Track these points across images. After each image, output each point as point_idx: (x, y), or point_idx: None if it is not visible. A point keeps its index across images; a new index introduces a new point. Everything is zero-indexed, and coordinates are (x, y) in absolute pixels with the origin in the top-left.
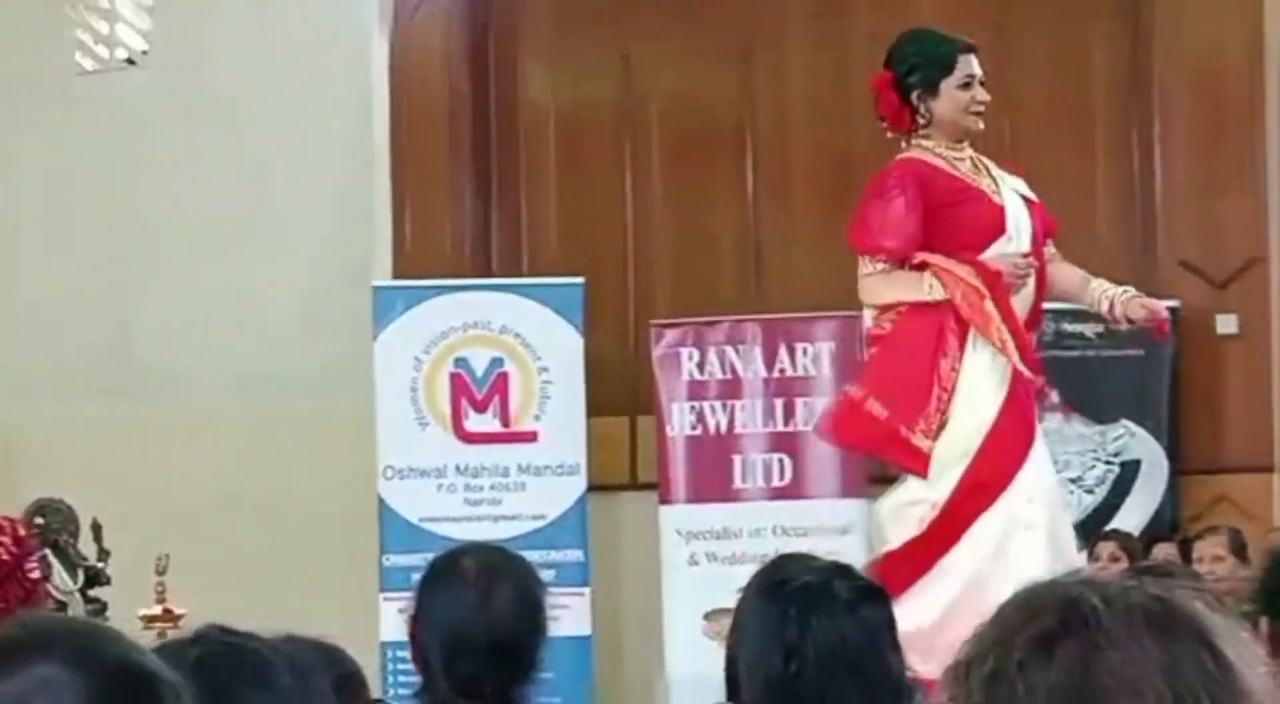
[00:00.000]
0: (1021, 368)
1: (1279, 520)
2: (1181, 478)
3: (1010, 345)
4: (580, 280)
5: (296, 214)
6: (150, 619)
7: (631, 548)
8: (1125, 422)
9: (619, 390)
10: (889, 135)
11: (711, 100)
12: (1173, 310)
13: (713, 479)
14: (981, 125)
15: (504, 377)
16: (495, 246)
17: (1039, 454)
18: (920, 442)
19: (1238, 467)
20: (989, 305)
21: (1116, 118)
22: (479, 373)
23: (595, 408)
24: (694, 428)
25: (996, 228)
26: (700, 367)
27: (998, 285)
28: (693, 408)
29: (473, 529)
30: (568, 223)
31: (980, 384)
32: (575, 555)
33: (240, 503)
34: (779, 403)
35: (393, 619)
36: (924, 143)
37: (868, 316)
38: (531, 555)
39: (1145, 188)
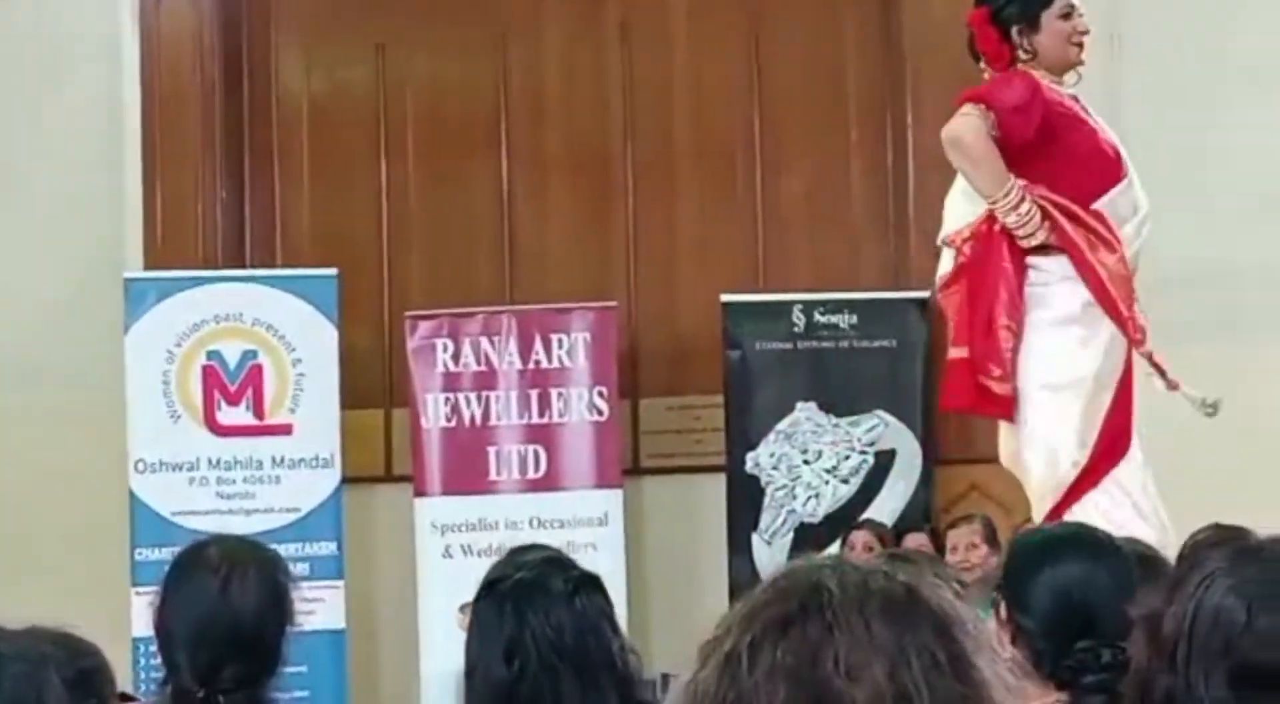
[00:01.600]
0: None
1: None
2: (936, 467)
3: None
4: (334, 272)
5: (47, 206)
6: None
7: (387, 541)
8: (879, 412)
9: (374, 382)
10: (985, 75)
11: (466, 90)
12: (923, 301)
13: (468, 471)
14: (1085, 58)
15: (257, 369)
16: (249, 238)
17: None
18: (999, 387)
19: (990, 456)
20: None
21: (870, 105)
22: (232, 365)
23: (350, 400)
24: (449, 420)
25: (1115, 168)
26: (455, 358)
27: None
28: (447, 400)
29: (225, 522)
30: (322, 214)
31: (1067, 333)
32: (329, 548)
33: None
34: (534, 394)
35: (144, 613)
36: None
37: (950, 225)
38: (285, 549)
39: (898, 176)
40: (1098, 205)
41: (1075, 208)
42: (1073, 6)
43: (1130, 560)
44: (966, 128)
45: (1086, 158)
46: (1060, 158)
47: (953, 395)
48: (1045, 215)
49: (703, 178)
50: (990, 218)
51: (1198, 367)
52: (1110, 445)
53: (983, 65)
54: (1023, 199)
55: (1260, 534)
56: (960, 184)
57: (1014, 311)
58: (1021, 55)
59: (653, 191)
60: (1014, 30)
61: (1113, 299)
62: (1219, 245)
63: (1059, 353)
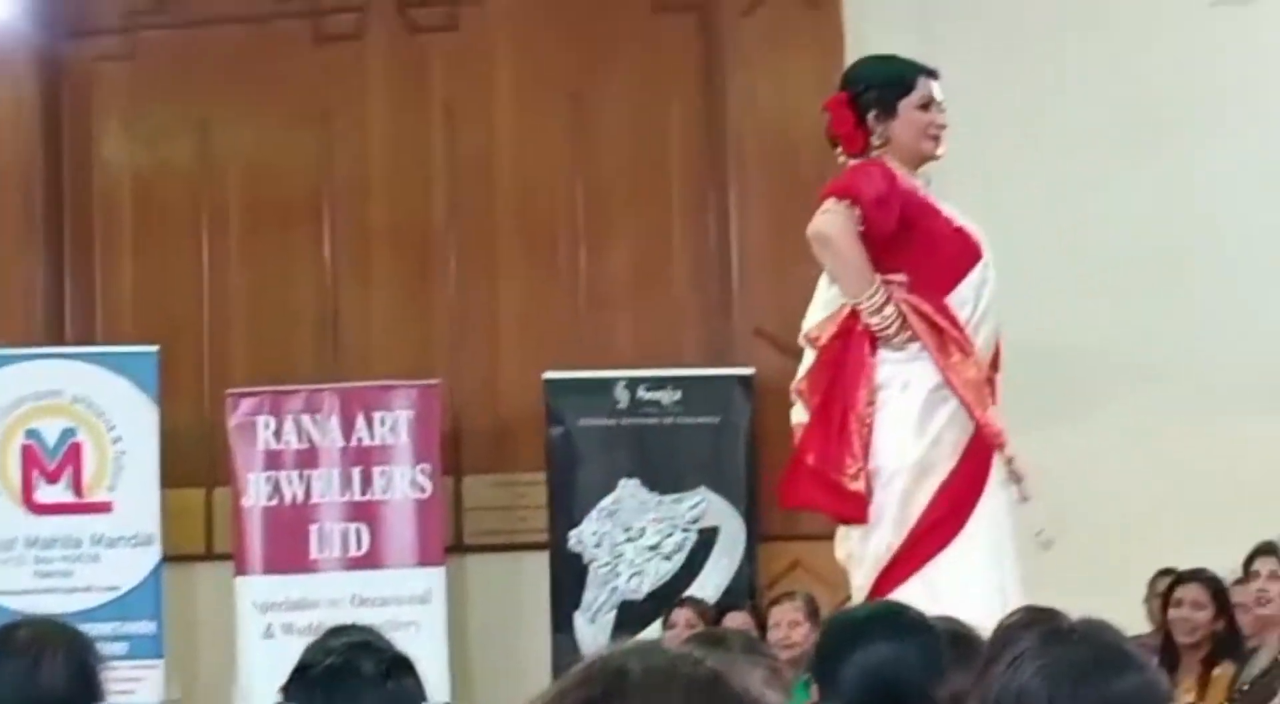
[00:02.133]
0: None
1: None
2: (759, 544)
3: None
4: (155, 349)
5: None
6: None
7: (207, 620)
8: (703, 489)
9: (195, 460)
10: (840, 159)
11: (290, 166)
12: (748, 378)
13: (290, 549)
14: (941, 151)
15: (76, 447)
16: (69, 314)
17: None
18: (853, 484)
19: (812, 533)
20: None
21: (693, 185)
22: (51, 443)
23: (170, 478)
24: (270, 498)
25: (974, 251)
26: (277, 435)
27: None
28: (269, 477)
29: (43, 602)
30: (143, 290)
31: (905, 420)
32: (149, 627)
33: None
34: (356, 472)
35: None
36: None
37: (811, 320)
38: (104, 628)
39: (721, 254)
40: (961, 287)
41: (934, 313)
42: (933, 99)
43: (942, 640)
44: (832, 225)
45: (943, 244)
46: (919, 247)
47: (796, 494)
48: (904, 320)
49: (526, 255)
50: (854, 314)
51: (1035, 446)
52: (928, 533)
53: (838, 150)
54: (886, 301)
55: (1071, 617)
56: (824, 279)
57: (869, 408)
58: (875, 141)
59: (476, 268)
60: (870, 115)
61: (968, 404)
62: (1056, 325)
63: (891, 439)
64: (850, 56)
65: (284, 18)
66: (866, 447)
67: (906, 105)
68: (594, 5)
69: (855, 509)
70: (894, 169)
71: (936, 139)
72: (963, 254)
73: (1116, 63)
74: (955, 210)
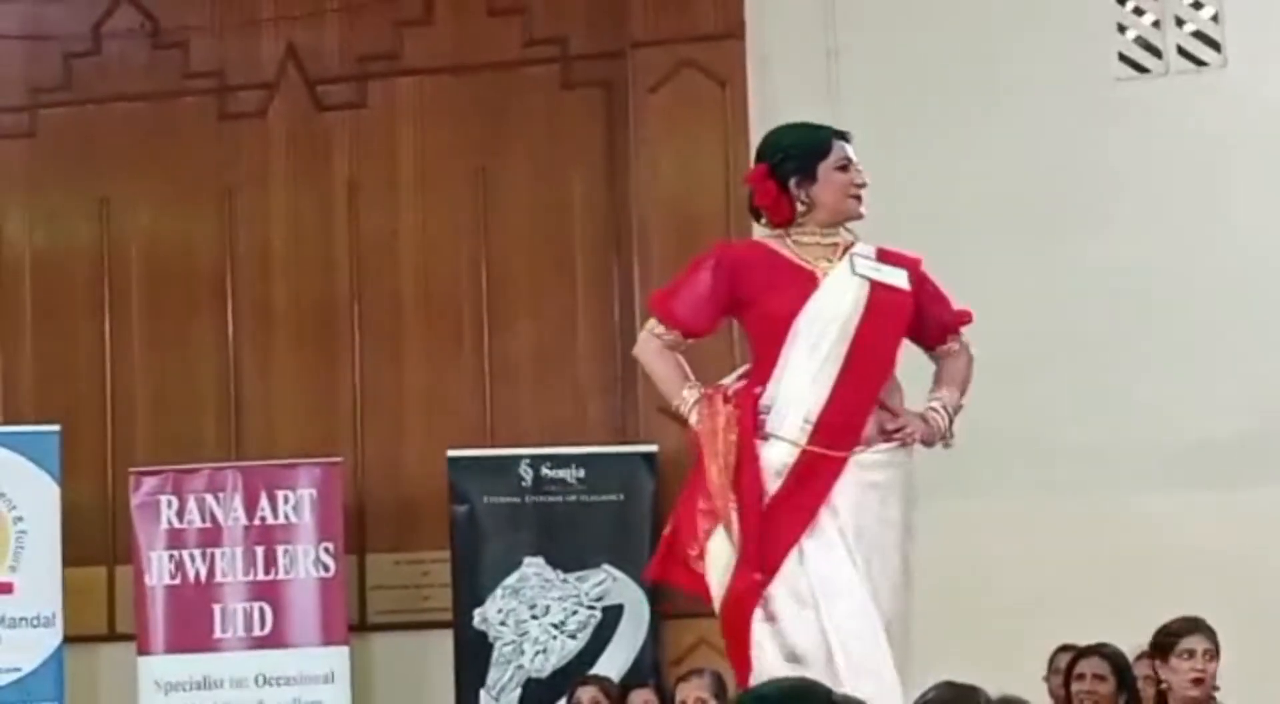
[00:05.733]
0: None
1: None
2: (664, 621)
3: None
4: (56, 428)
5: None
6: None
7: (110, 700)
8: (607, 566)
9: (97, 539)
10: (765, 230)
11: (191, 244)
12: (650, 455)
13: (192, 629)
14: (863, 210)
15: None
16: None
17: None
18: (698, 566)
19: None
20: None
21: (597, 261)
22: None
23: (72, 557)
24: (173, 577)
25: (805, 296)
26: (180, 514)
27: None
28: (172, 556)
29: None
30: (44, 368)
31: None
32: None
33: None
34: (260, 551)
35: None
36: (793, 232)
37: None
38: None
39: (625, 330)
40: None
41: (715, 416)
42: (850, 159)
43: None
44: (640, 346)
45: (784, 291)
46: (768, 301)
47: (656, 568)
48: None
49: (429, 333)
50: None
51: (928, 521)
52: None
53: (763, 222)
54: (691, 409)
55: (991, 693)
56: None
57: (715, 496)
58: (800, 208)
59: (379, 347)
60: (792, 182)
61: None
62: None
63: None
64: (756, 134)
65: (189, 94)
66: (709, 536)
67: (825, 168)
68: (502, 82)
69: (704, 587)
70: (761, 243)
71: (858, 198)
72: (775, 336)
73: (1019, 140)
74: (879, 270)
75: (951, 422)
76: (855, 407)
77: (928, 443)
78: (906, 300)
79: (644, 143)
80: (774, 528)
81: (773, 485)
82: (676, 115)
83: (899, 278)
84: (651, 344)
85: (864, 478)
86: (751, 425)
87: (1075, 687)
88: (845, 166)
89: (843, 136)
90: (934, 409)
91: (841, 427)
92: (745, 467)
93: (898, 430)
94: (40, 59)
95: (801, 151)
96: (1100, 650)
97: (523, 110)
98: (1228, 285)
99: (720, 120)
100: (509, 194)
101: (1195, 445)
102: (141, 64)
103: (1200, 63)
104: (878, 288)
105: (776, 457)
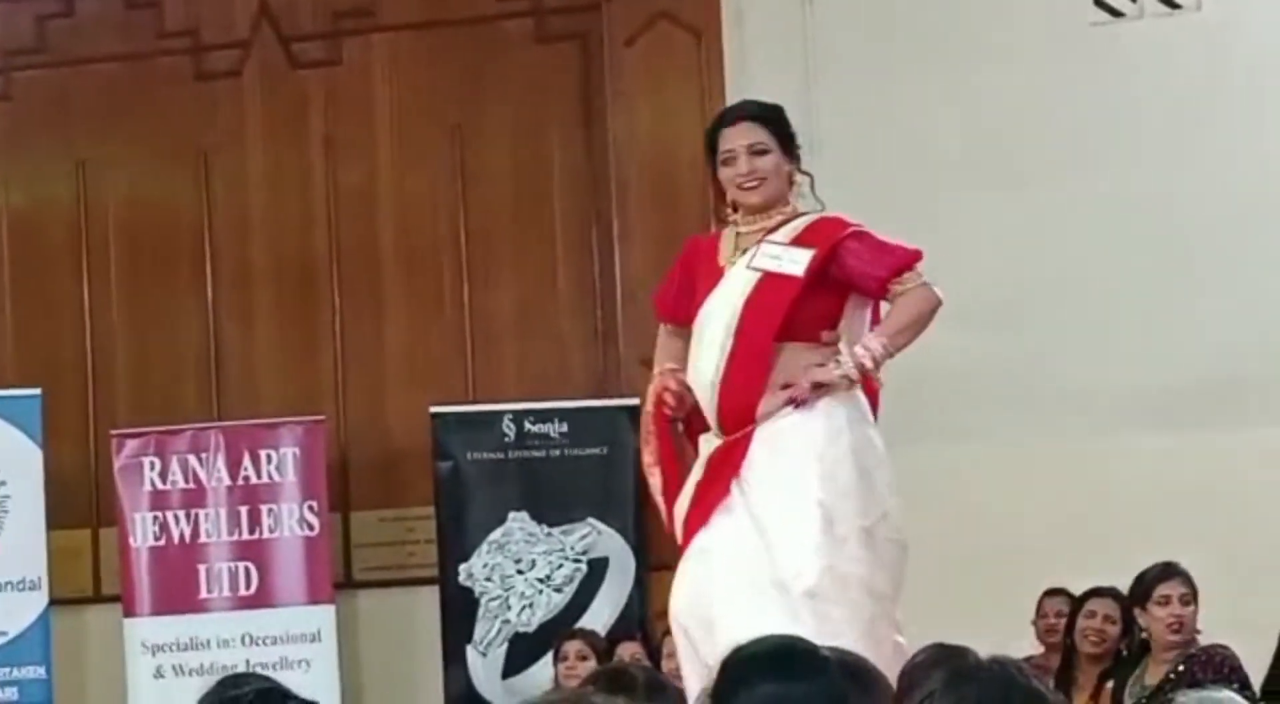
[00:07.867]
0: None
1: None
2: (649, 574)
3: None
4: (37, 391)
5: None
6: None
7: (97, 662)
8: (591, 520)
9: (80, 502)
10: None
11: (169, 205)
12: (633, 408)
13: (178, 590)
14: (755, 199)
15: None
16: None
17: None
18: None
19: None
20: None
21: (576, 216)
22: None
23: (56, 521)
24: (157, 538)
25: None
26: (163, 476)
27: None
28: (156, 518)
29: None
30: (24, 332)
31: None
32: (38, 672)
33: None
34: (244, 511)
35: None
36: (739, 219)
37: None
38: None
39: (605, 285)
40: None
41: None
42: (730, 151)
43: (839, 677)
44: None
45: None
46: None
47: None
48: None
49: (410, 289)
50: None
51: (912, 466)
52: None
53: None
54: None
55: (980, 654)
56: None
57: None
58: (727, 208)
59: (360, 304)
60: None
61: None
62: (926, 349)
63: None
64: (731, 86)
65: (164, 55)
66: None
67: (719, 167)
68: (476, 37)
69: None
70: (715, 235)
71: (745, 189)
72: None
73: (996, 84)
74: (779, 255)
75: (877, 365)
76: (745, 389)
77: (826, 387)
78: (792, 286)
79: (620, 95)
80: (695, 508)
81: (699, 473)
82: (652, 68)
83: (799, 262)
84: (661, 329)
85: (767, 446)
86: (660, 404)
87: (1084, 623)
88: (729, 161)
89: (736, 120)
90: (838, 360)
91: (741, 408)
92: (660, 441)
93: (791, 397)
94: (14, 21)
95: (708, 147)
96: (1113, 592)
97: (498, 65)
98: (1207, 226)
99: (696, 72)
100: (486, 149)
101: (1180, 387)
102: (115, 24)
103: (1175, 5)
104: (768, 279)
105: (703, 449)
